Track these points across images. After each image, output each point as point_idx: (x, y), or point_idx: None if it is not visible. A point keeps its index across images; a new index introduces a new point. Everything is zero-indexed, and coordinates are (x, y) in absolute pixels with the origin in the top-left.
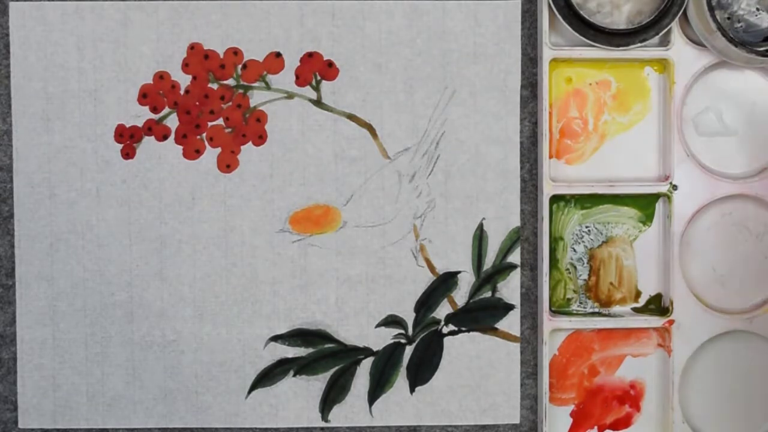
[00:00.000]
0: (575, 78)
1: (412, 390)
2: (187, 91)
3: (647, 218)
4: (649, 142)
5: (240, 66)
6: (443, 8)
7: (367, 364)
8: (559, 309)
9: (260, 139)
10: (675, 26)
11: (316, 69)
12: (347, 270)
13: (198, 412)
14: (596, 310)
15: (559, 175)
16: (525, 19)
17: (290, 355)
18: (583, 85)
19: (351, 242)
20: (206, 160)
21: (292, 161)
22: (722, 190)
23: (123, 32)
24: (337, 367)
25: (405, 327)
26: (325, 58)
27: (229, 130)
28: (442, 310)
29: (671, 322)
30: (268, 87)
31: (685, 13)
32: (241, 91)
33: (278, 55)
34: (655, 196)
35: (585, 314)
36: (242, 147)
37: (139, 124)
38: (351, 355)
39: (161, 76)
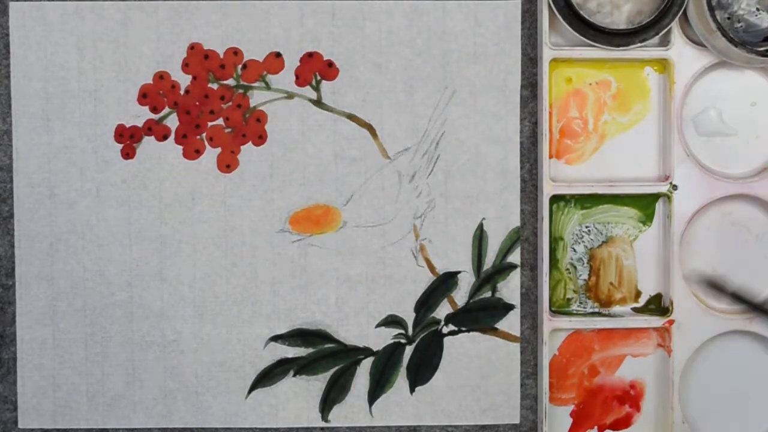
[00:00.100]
0: (575, 78)
1: (412, 390)
2: (187, 91)
3: (647, 218)
4: (649, 142)
5: (240, 66)
6: (443, 8)
7: (367, 364)
8: (559, 309)
9: (260, 139)
10: (675, 26)
11: (316, 69)
12: (347, 270)
13: (198, 412)
14: (596, 310)
15: (559, 175)
16: (525, 19)
17: (290, 355)
18: (583, 85)
19: (351, 242)
20: (206, 160)
21: (292, 161)
22: (722, 190)
23: (123, 32)
24: (337, 367)
25: (405, 327)
26: (325, 58)
27: (229, 130)
28: (442, 310)
29: (671, 322)
30: (268, 87)
31: (685, 13)
32: (241, 91)
33: (278, 55)
34: (655, 196)
35: (585, 314)
36: (242, 147)
37: (139, 124)
38: (351, 355)
39: (161, 76)
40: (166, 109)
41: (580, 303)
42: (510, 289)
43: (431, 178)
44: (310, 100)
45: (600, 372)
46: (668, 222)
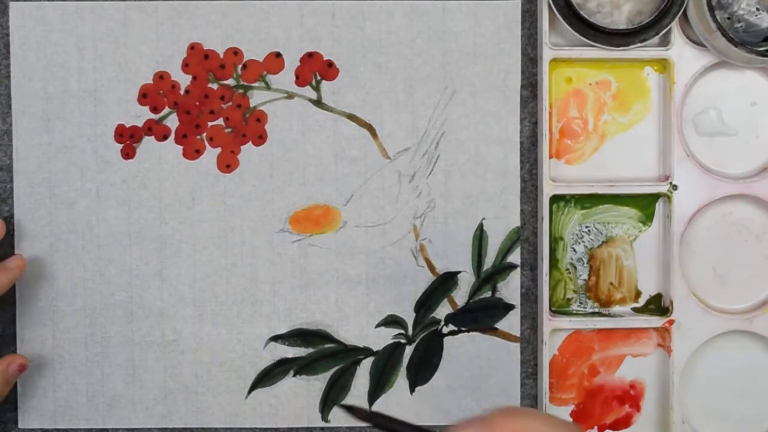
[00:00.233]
0: (575, 78)
1: (412, 390)
2: (187, 91)
3: (647, 218)
4: (649, 142)
5: (240, 66)
6: (443, 8)
7: (367, 364)
8: (559, 309)
9: (260, 139)
10: (675, 26)
11: (316, 69)
12: (347, 270)
13: (198, 412)
14: (596, 310)
15: (559, 175)
16: (525, 19)
17: (290, 355)
18: (583, 85)
19: (351, 242)
20: (206, 160)
21: (292, 161)
22: (722, 190)
23: (123, 32)
24: (337, 367)
25: (405, 327)
26: (325, 58)
27: (229, 130)
28: (442, 310)
29: (671, 322)
30: (268, 87)
31: (685, 13)
32: (241, 91)
33: (278, 55)
34: (655, 196)
35: (585, 314)
36: (242, 147)
37: (139, 124)
38: (351, 355)
39: (161, 76)
40: (166, 109)
41: (580, 303)
42: (510, 289)
43: (431, 178)
44: (310, 100)
45: (600, 372)
46: (668, 222)
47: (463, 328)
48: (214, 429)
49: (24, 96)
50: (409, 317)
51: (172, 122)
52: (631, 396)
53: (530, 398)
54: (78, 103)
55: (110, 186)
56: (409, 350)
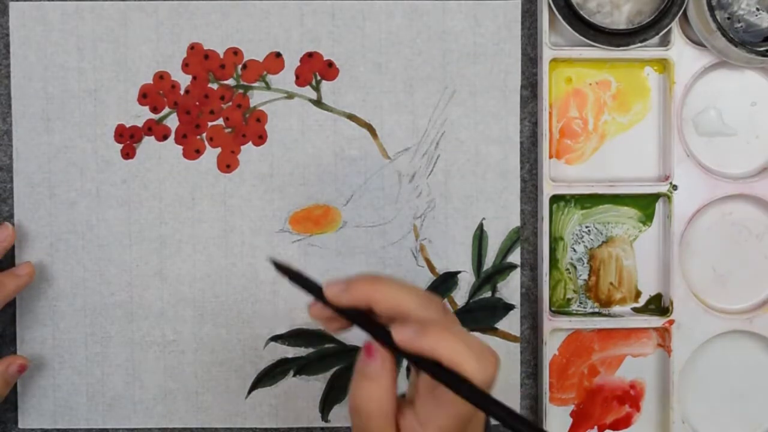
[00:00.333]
0: (575, 78)
1: None
2: (187, 91)
3: (647, 218)
4: (649, 142)
5: (240, 66)
6: (443, 8)
7: None
8: (559, 309)
9: (260, 139)
10: (675, 26)
11: (316, 69)
12: (347, 270)
13: (198, 412)
14: (596, 310)
15: (559, 175)
16: (525, 19)
17: (290, 355)
18: (583, 85)
19: (351, 242)
20: (206, 160)
21: (292, 161)
22: (722, 190)
23: (123, 32)
24: (337, 367)
25: None
26: (325, 58)
27: (229, 130)
28: None
29: (671, 322)
30: (268, 87)
31: (685, 13)
32: (241, 91)
33: (278, 55)
34: (655, 196)
35: (585, 314)
36: (242, 147)
37: (139, 124)
38: (351, 355)
39: (161, 76)
40: (166, 109)
41: (580, 303)
42: (510, 289)
43: (431, 178)
44: (310, 100)
45: (600, 372)
46: (668, 222)
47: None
48: (214, 429)
49: (24, 96)
50: None
51: (172, 122)
52: (631, 396)
53: (530, 398)
54: (78, 103)
55: (110, 186)
56: None
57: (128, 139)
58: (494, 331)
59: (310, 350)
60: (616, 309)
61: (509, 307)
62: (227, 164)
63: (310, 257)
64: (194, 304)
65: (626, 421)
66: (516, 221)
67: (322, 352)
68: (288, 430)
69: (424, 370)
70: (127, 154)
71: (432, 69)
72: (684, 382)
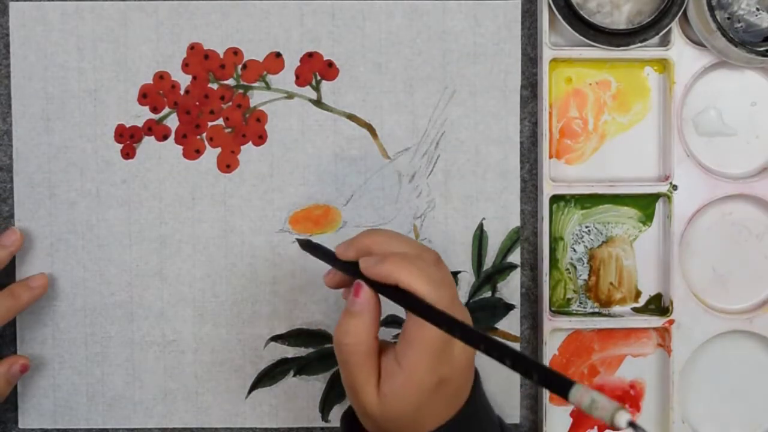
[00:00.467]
0: (575, 78)
1: None
2: (187, 91)
3: (647, 218)
4: (649, 142)
5: (240, 66)
6: (443, 8)
7: None
8: (559, 309)
9: (260, 139)
10: (675, 26)
11: (316, 69)
12: None
13: (198, 412)
14: (596, 310)
15: (559, 175)
16: (525, 19)
17: (290, 355)
18: (583, 85)
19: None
20: (206, 160)
21: (292, 161)
22: (722, 190)
23: (123, 32)
24: (337, 367)
25: None
26: (325, 58)
27: (229, 130)
28: None
29: (671, 322)
30: (268, 87)
31: (685, 13)
32: (241, 91)
33: (278, 55)
34: (655, 196)
35: (585, 314)
36: (242, 147)
37: (139, 124)
38: None
39: (161, 76)
40: (166, 109)
41: (580, 303)
42: (510, 289)
43: (431, 178)
44: (310, 100)
45: (600, 372)
46: (668, 222)
47: None
48: (214, 429)
49: (24, 96)
50: None
51: (172, 122)
52: (631, 396)
53: (530, 398)
54: (78, 103)
55: (110, 186)
56: None
57: (128, 139)
58: (494, 331)
59: (310, 350)
60: (616, 309)
61: (509, 307)
62: (227, 164)
63: (309, 257)
64: (194, 304)
65: None
66: (516, 221)
67: (322, 352)
68: (288, 430)
69: (385, 294)
70: (127, 154)
71: (432, 69)
72: (684, 382)
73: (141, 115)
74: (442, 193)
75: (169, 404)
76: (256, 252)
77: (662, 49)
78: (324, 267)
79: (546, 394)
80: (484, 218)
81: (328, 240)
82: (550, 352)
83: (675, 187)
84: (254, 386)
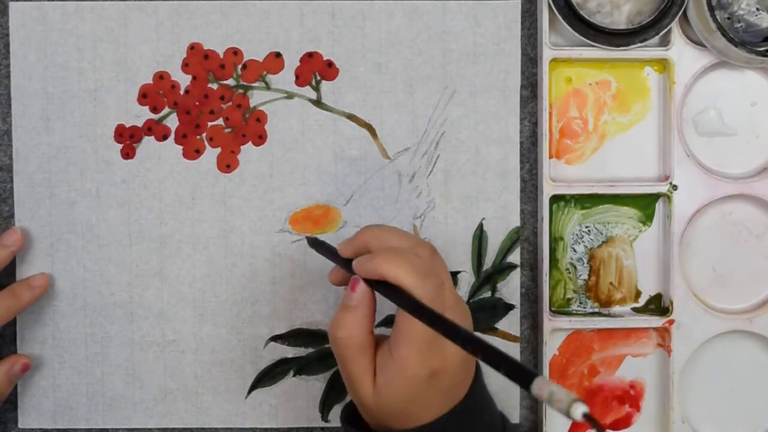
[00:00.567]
0: (575, 78)
1: None
2: (187, 91)
3: (647, 218)
4: (649, 142)
5: (240, 66)
6: (443, 8)
7: None
8: (559, 309)
9: (260, 139)
10: (675, 26)
11: (316, 69)
12: None
13: (198, 412)
14: (596, 310)
15: (559, 175)
16: (525, 19)
17: (290, 355)
18: (583, 85)
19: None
20: (206, 160)
21: (292, 161)
22: (722, 190)
23: (123, 32)
24: (337, 367)
25: None
26: (325, 58)
27: (229, 130)
28: None
29: (671, 322)
30: (268, 87)
31: (685, 13)
32: (241, 91)
33: (278, 55)
34: (655, 196)
35: (585, 314)
36: (242, 147)
37: (139, 124)
38: None
39: (161, 76)
40: (166, 109)
41: (580, 303)
42: (510, 289)
43: (431, 178)
44: (310, 100)
45: (600, 372)
46: (668, 222)
47: None
48: (214, 429)
49: (24, 96)
50: None
51: (172, 122)
52: (631, 396)
53: (530, 398)
54: (78, 103)
55: (110, 186)
56: None
57: (128, 139)
58: (494, 331)
59: (310, 350)
60: (616, 309)
61: (509, 307)
62: (227, 164)
63: (309, 257)
64: (194, 304)
65: (626, 421)
66: (516, 221)
67: (322, 352)
68: (288, 430)
69: (379, 290)
70: (127, 154)
71: (432, 69)
72: (684, 382)
73: (141, 115)
74: (442, 193)
75: (169, 404)
76: (256, 252)
77: (662, 49)
78: (324, 266)
79: None
80: (484, 218)
81: (328, 240)
82: (550, 352)
83: (675, 187)
84: (254, 386)
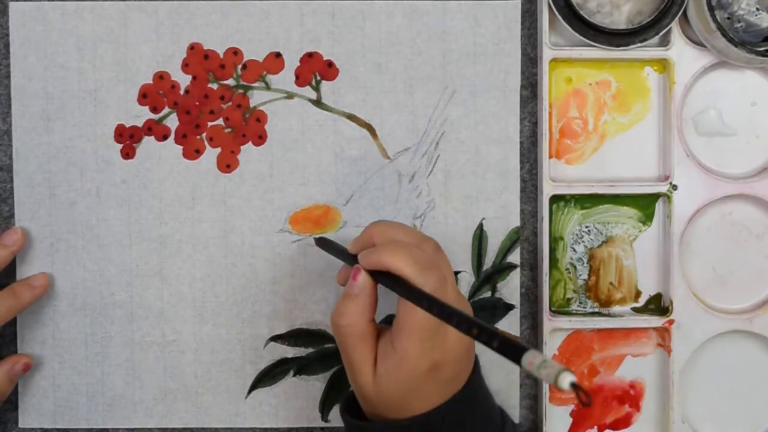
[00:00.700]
0: (575, 78)
1: None
2: (187, 91)
3: (647, 218)
4: (649, 142)
5: (240, 66)
6: (443, 8)
7: None
8: (559, 309)
9: (260, 139)
10: (675, 26)
11: (316, 69)
12: None
13: (198, 412)
14: (596, 310)
15: (559, 175)
16: (525, 19)
17: (290, 355)
18: (583, 85)
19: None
20: (206, 160)
21: (292, 161)
22: (722, 190)
23: (123, 32)
24: (337, 367)
25: None
26: (325, 58)
27: (229, 130)
28: None
29: (671, 322)
30: (268, 87)
31: (685, 13)
32: (241, 91)
33: (278, 55)
34: (655, 196)
35: (585, 314)
36: (242, 147)
37: (139, 124)
38: None
39: (161, 76)
40: (166, 109)
41: (580, 303)
42: (510, 289)
43: (431, 178)
44: (310, 100)
45: (600, 372)
46: (668, 222)
47: None
48: (214, 429)
49: (24, 96)
50: None
51: (172, 122)
52: (631, 396)
53: (530, 398)
54: (78, 103)
55: (110, 186)
56: None
57: (128, 139)
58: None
59: (310, 350)
60: (616, 309)
61: (509, 307)
62: (227, 164)
63: (309, 257)
64: (194, 304)
65: (626, 420)
66: (516, 221)
67: (322, 352)
68: (288, 430)
69: (382, 282)
70: (127, 154)
71: (432, 69)
72: (684, 382)
73: (141, 115)
74: (442, 193)
75: (169, 404)
76: (256, 252)
77: (662, 49)
78: (324, 267)
79: (546, 394)
80: (484, 218)
81: None
82: (550, 351)
83: (675, 187)
84: (254, 386)
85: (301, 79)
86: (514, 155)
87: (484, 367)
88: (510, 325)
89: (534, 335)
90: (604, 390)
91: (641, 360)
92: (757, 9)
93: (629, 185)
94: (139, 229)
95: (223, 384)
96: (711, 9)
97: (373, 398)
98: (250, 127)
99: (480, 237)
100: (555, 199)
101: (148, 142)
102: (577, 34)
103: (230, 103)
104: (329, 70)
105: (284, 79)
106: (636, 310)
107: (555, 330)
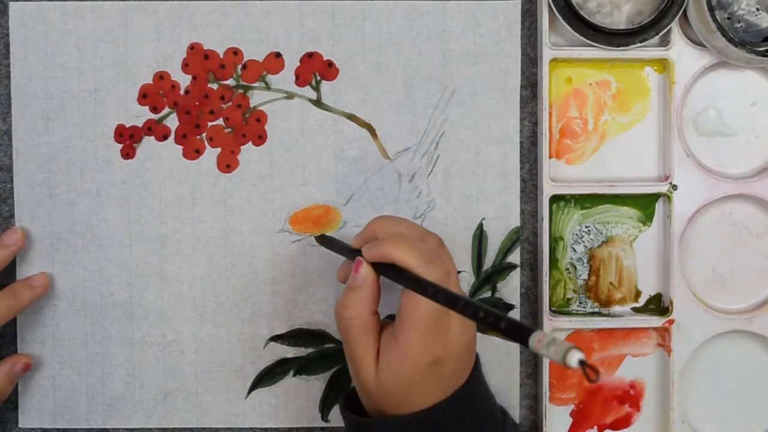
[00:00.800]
0: (575, 78)
1: None
2: (187, 91)
3: (647, 218)
4: (649, 142)
5: (240, 66)
6: (443, 8)
7: None
8: (559, 309)
9: (260, 139)
10: (675, 26)
11: (316, 69)
12: None
13: (198, 412)
14: (596, 310)
15: (559, 175)
16: (525, 19)
17: (290, 355)
18: (583, 85)
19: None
20: (206, 160)
21: (292, 161)
22: (722, 190)
23: (123, 32)
24: (337, 367)
25: None
26: (325, 58)
27: (229, 130)
28: None
29: (671, 322)
30: (268, 87)
31: (685, 13)
32: (241, 91)
33: (278, 55)
34: (655, 196)
35: (585, 314)
36: (242, 147)
37: (139, 124)
38: None
39: (161, 76)
40: (166, 109)
41: (580, 303)
42: (510, 289)
43: (431, 178)
44: (310, 100)
45: (600, 372)
46: (668, 222)
47: None
48: (214, 429)
49: (24, 96)
50: None
51: (172, 122)
52: (631, 396)
53: (530, 398)
54: (78, 103)
55: (110, 186)
56: None
57: (128, 139)
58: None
59: (310, 350)
60: (616, 309)
61: (509, 307)
62: (227, 164)
63: (309, 257)
64: (194, 304)
65: (626, 420)
66: (516, 221)
67: (322, 352)
68: (288, 430)
69: (384, 274)
70: (127, 154)
71: (432, 69)
72: (684, 382)
73: (141, 115)
74: (442, 193)
75: (169, 404)
76: (256, 252)
77: (662, 49)
78: (325, 266)
79: (546, 393)
80: (484, 218)
81: None
82: None
83: (675, 187)
84: (254, 386)
85: (301, 79)
86: (514, 155)
87: (484, 367)
88: None
89: None
90: (604, 390)
91: (641, 360)
92: (757, 9)
93: (629, 185)
94: (139, 229)
95: (223, 384)
96: (711, 9)
97: (374, 392)
98: (250, 127)
99: (480, 237)
100: (555, 199)
101: (148, 142)
102: (577, 34)
103: (230, 103)
104: (329, 70)
105: (284, 79)
106: (636, 310)
107: (555, 330)
